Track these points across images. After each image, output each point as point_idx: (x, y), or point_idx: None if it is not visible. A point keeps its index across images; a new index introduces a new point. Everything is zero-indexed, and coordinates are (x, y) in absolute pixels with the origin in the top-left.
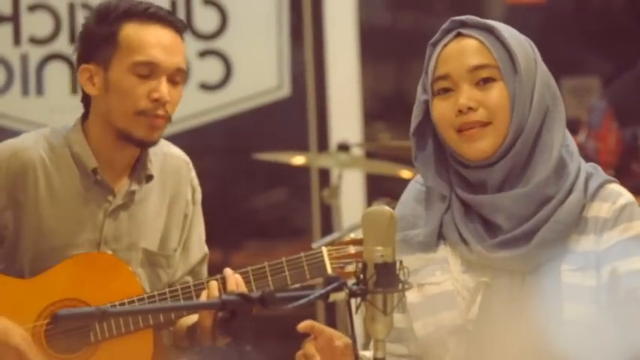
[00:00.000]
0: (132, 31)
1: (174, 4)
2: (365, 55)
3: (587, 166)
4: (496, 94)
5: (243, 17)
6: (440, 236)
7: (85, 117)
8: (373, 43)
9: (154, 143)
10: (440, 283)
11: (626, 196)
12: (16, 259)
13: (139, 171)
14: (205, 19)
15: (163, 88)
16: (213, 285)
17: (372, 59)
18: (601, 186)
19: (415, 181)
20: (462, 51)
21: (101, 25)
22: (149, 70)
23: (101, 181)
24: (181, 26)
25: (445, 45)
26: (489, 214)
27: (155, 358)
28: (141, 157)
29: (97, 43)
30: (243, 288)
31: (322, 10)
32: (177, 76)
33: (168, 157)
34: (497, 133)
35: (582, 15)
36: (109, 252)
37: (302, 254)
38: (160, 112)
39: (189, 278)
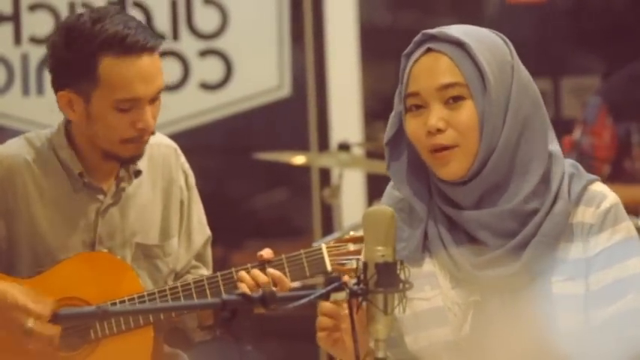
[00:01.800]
0: (111, 67)
1: (174, 4)
2: (365, 54)
3: (568, 167)
4: (465, 114)
5: (244, 17)
6: (425, 248)
7: (68, 120)
8: (374, 43)
9: (140, 157)
10: (429, 298)
11: (610, 197)
12: (13, 265)
13: (126, 168)
14: (206, 18)
15: (147, 117)
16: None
17: (373, 59)
18: (584, 188)
19: (392, 187)
20: (431, 68)
21: (76, 53)
22: (132, 104)
23: (89, 183)
24: (159, 44)
25: (416, 60)
26: (473, 231)
27: (155, 356)
28: None
29: (73, 72)
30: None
31: (323, 10)
32: (158, 94)
33: (155, 147)
34: (467, 154)
35: (582, 14)
36: (105, 250)
37: (302, 251)
38: (146, 137)
39: (196, 263)
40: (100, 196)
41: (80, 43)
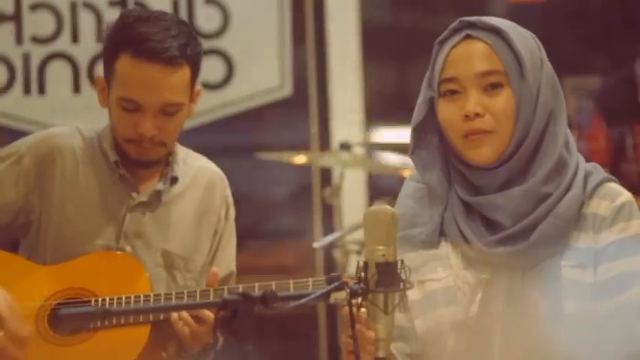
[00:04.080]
0: (123, 65)
1: (176, 4)
2: (367, 54)
3: (586, 165)
4: (503, 100)
5: (245, 17)
6: (441, 233)
7: None
8: (375, 43)
9: (151, 163)
10: (441, 279)
11: (625, 194)
12: (39, 247)
13: (165, 172)
14: (207, 18)
15: (146, 124)
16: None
17: (374, 58)
18: (600, 184)
19: (411, 179)
20: (470, 55)
21: (109, 42)
22: (134, 106)
23: (125, 176)
24: (176, 59)
25: (453, 46)
26: (489, 213)
27: (148, 348)
28: (165, 160)
29: (104, 60)
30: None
31: (324, 10)
32: (169, 108)
33: (202, 170)
34: (501, 140)
35: (584, 14)
36: (129, 247)
37: (309, 280)
38: (146, 144)
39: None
40: (134, 194)
41: (115, 33)
